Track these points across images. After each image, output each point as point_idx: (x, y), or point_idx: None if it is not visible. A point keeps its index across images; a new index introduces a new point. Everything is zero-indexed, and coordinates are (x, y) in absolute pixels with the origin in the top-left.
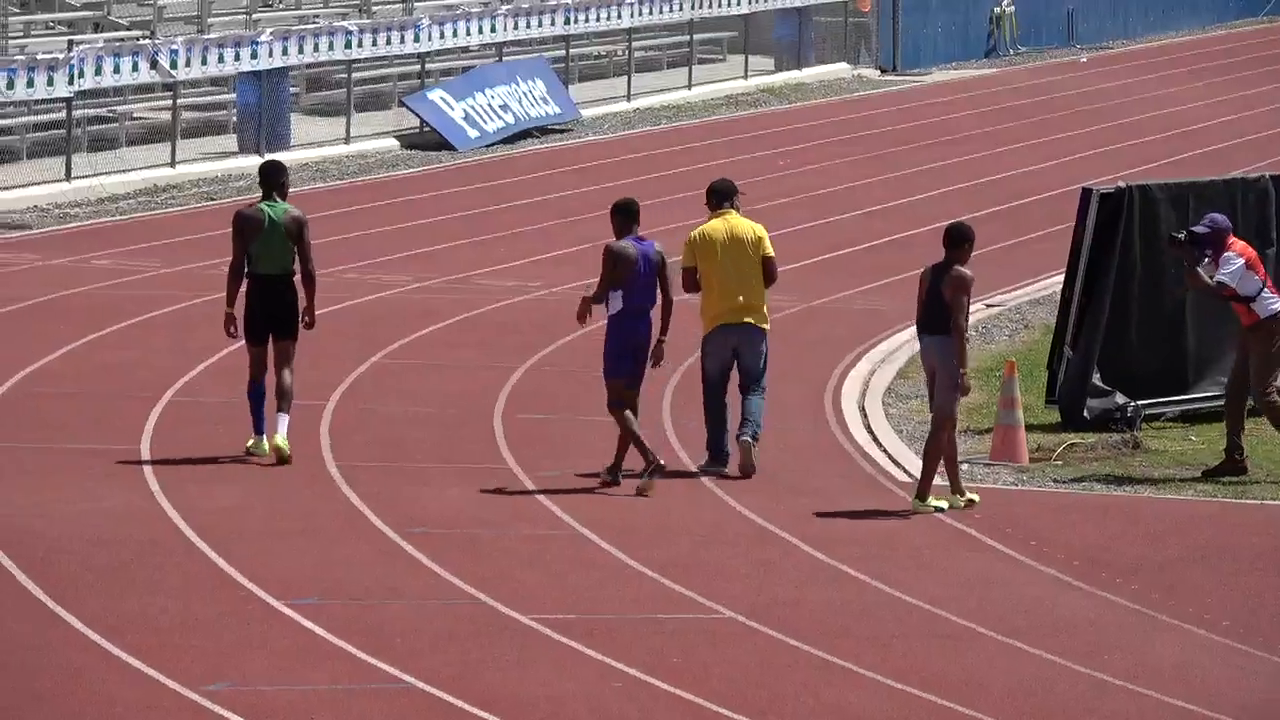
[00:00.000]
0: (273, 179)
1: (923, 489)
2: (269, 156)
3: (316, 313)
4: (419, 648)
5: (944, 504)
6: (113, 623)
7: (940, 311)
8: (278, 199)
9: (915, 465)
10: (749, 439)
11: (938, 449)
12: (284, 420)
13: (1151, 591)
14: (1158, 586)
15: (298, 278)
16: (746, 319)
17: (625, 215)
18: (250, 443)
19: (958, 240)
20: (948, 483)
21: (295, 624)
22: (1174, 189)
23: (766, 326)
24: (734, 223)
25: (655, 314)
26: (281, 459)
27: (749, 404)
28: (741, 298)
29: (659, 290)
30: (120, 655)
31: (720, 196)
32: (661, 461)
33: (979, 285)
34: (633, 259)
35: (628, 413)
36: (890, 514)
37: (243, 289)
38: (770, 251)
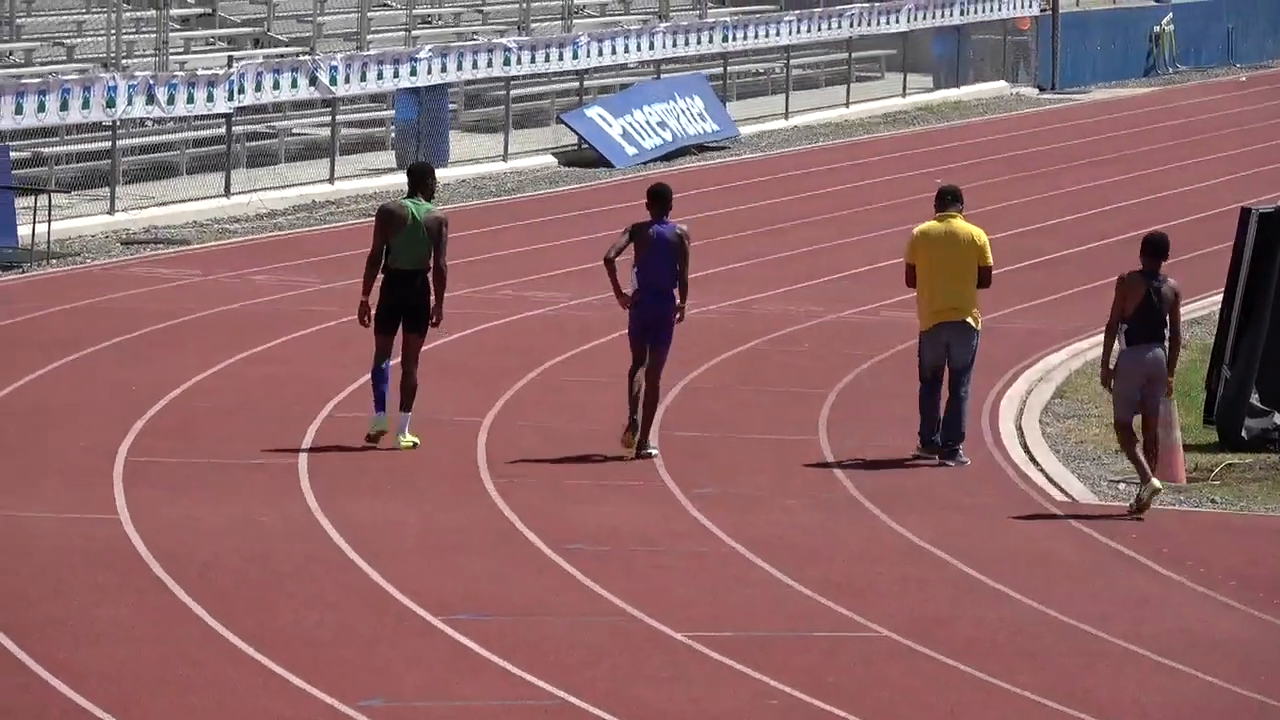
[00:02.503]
0: (419, 179)
1: (1144, 474)
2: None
3: (444, 311)
4: (572, 663)
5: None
6: (268, 638)
7: (1160, 321)
8: (421, 199)
9: (1071, 484)
10: (950, 464)
11: (1155, 443)
12: (406, 419)
13: None
14: None
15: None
16: (956, 318)
17: (650, 199)
18: (371, 422)
19: (1165, 250)
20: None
21: (449, 639)
22: None
23: (976, 325)
24: (955, 226)
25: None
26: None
27: (951, 409)
28: (951, 299)
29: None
30: (275, 669)
31: (947, 199)
32: (637, 418)
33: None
34: (645, 237)
35: (636, 377)
36: (1044, 530)
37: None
38: (989, 260)
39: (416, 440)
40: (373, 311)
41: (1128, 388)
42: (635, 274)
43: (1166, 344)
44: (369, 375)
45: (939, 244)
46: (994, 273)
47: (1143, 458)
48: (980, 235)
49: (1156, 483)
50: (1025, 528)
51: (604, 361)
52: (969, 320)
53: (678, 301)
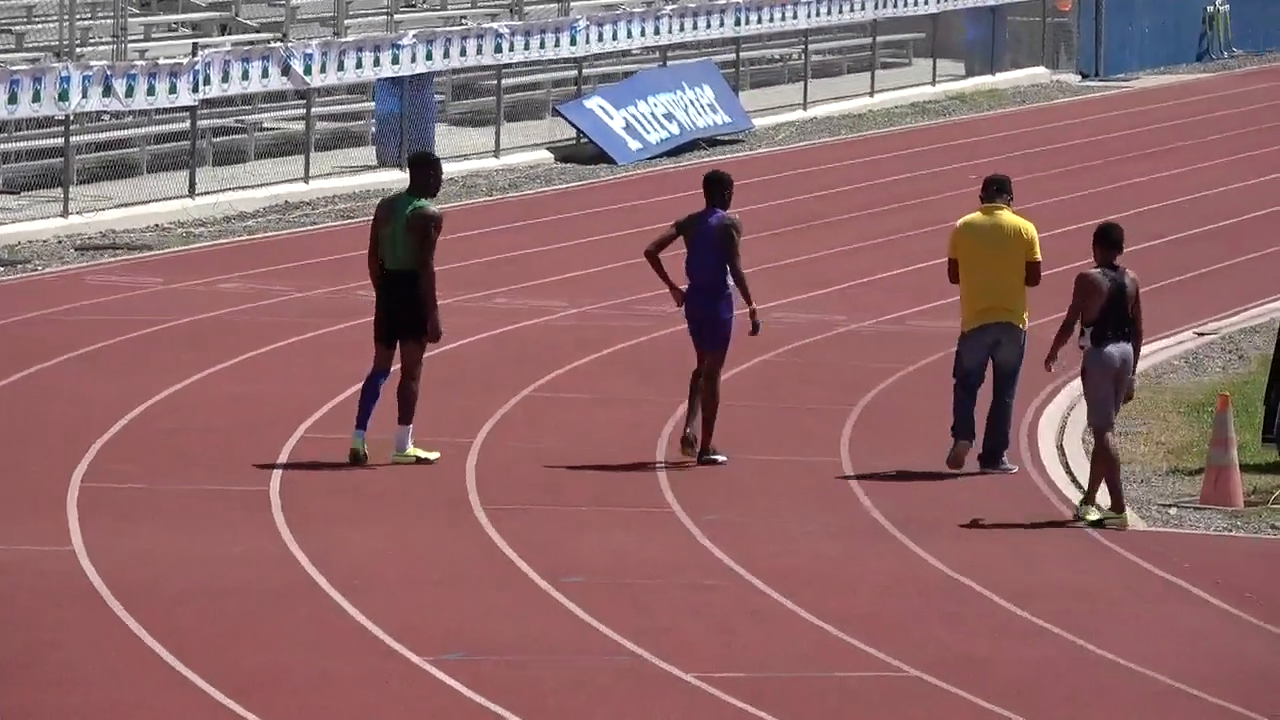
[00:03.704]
0: (412, 170)
1: (1092, 495)
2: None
3: (441, 323)
4: (572, 708)
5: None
6: (238, 681)
7: (1125, 317)
8: (418, 194)
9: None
10: (992, 470)
11: (1109, 458)
12: (403, 433)
13: None
14: None
15: None
16: (1002, 318)
17: (705, 186)
18: (353, 443)
19: (1121, 240)
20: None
21: (438, 682)
22: None
23: (1023, 326)
24: (1001, 218)
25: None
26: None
27: (995, 414)
28: (996, 297)
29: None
30: (247, 716)
31: (994, 189)
32: (688, 433)
33: (1183, 310)
34: (691, 229)
35: (696, 382)
36: (1088, 560)
37: None
38: (1037, 255)
39: (423, 455)
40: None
41: (1104, 391)
42: (685, 269)
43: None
44: (349, 391)
45: (983, 237)
46: (1042, 268)
47: (1118, 482)
48: (1029, 228)
49: (1129, 517)
50: (1067, 557)
51: (603, 377)
52: (1016, 321)
53: (738, 299)
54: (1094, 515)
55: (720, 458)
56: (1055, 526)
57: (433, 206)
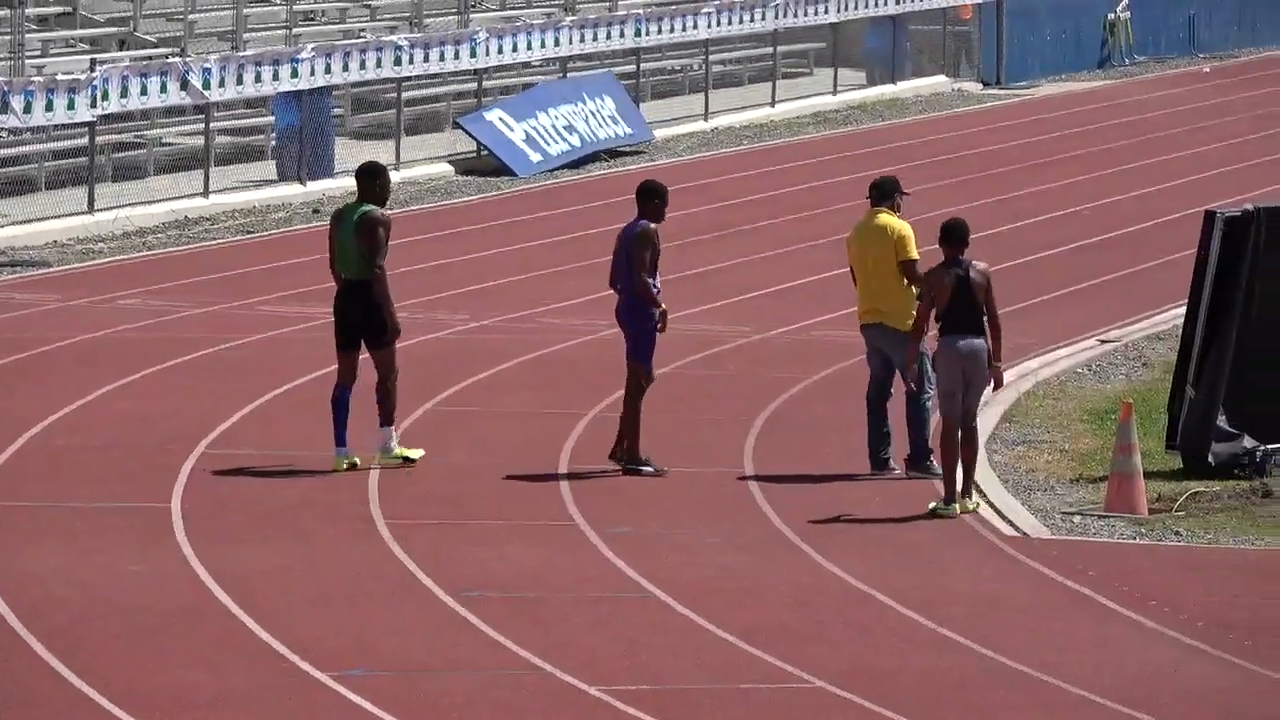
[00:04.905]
0: (359, 179)
1: (951, 493)
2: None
3: (395, 322)
4: None
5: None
6: (141, 700)
7: (975, 312)
8: (369, 202)
9: (1022, 518)
10: (879, 475)
11: (972, 451)
12: (385, 434)
13: None
14: None
15: None
16: (876, 320)
17: (637, 196)
18: (335, 460)
19: (965, 235)
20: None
21: (341, 698)
22: None
23: (901, 328)
24: (875, 221)
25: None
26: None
27: (906, 415)
28: (871, 299)
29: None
30: None
31: (875, 193)
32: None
33: (1087, 317)
34: (618, 239)
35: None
36: (993, 569)
37: None
38: (910, 254)
39: (409, 455)
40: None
41: (951, 384)
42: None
43: (987, 334)
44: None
45: (860, 241)
46: (919, 269)
47: (957, 476)
48: (899, 228)
49: (959, 508)
50: (972, 567)
51: (507, 390)
52: (890, 322)
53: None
54: (931, 505)
55: (648, 470)
56: (911, 521)
57: (380, 211)
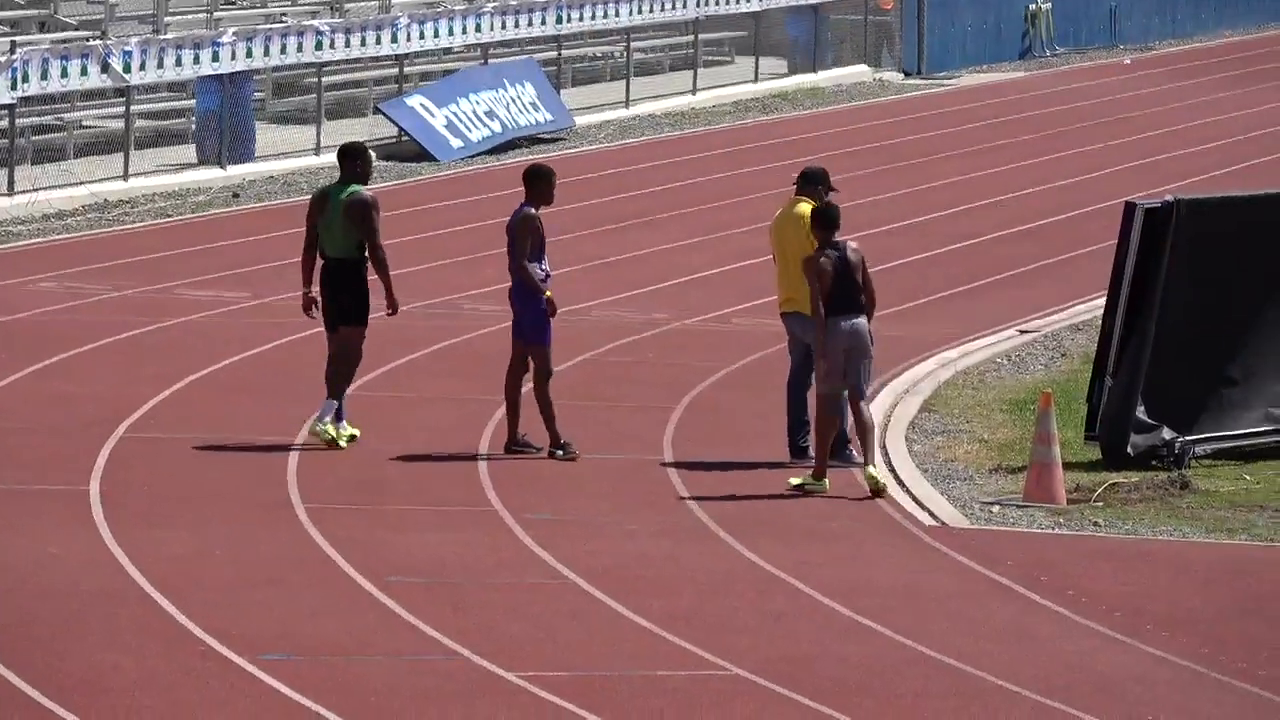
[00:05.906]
0: (341, 160)
1: (823, 469)
2: (350, 139)
3: (396, 299)
4: (394, 708)
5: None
6: (58, 683)
7: (856, 291)
8: (352, 182)
9: (941, 507)
10: (808, 449)
11: (864, 423)
12: (328, 406)
13: (1202, 646)
14: (1209, 640)
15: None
16: (791, 308)
17: (523, 180)
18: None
19: (836, 219)
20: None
21: (259, 682)
22: (1227, 202)
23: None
24: (793, 210)
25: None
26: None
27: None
28: (786, 287)
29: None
30: (68, 718)
31: (800, 182)
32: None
33: (1006, 307)
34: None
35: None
36: (912, 558)
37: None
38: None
39: (335, 435)
40: (319, 303)
41: (833, 362)
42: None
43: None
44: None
45: (779, 229)
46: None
47: (827, 450)
48: (808, 214)
49: (828, 484)
50: (891, 556)
51: (425, 375)
52: (801, 310)
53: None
54: (796, 480)
55: (561, 454)
56: (775, 499)
57: (368, 192)
